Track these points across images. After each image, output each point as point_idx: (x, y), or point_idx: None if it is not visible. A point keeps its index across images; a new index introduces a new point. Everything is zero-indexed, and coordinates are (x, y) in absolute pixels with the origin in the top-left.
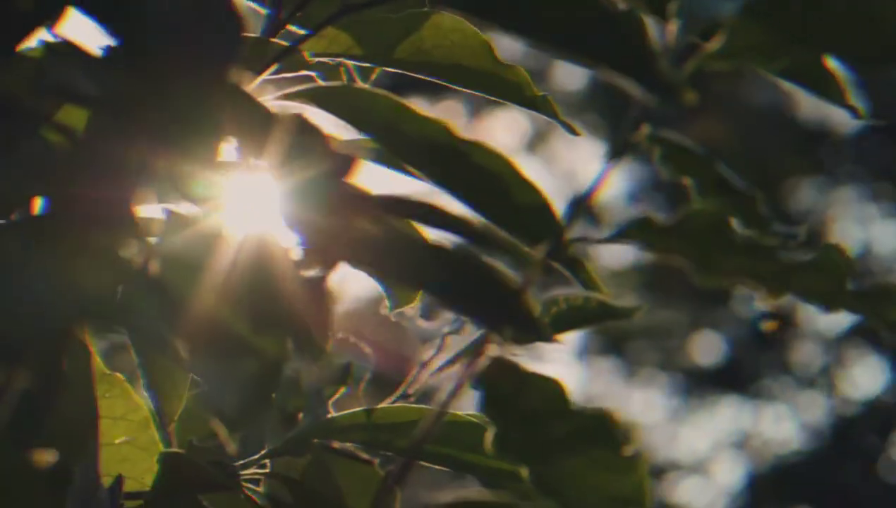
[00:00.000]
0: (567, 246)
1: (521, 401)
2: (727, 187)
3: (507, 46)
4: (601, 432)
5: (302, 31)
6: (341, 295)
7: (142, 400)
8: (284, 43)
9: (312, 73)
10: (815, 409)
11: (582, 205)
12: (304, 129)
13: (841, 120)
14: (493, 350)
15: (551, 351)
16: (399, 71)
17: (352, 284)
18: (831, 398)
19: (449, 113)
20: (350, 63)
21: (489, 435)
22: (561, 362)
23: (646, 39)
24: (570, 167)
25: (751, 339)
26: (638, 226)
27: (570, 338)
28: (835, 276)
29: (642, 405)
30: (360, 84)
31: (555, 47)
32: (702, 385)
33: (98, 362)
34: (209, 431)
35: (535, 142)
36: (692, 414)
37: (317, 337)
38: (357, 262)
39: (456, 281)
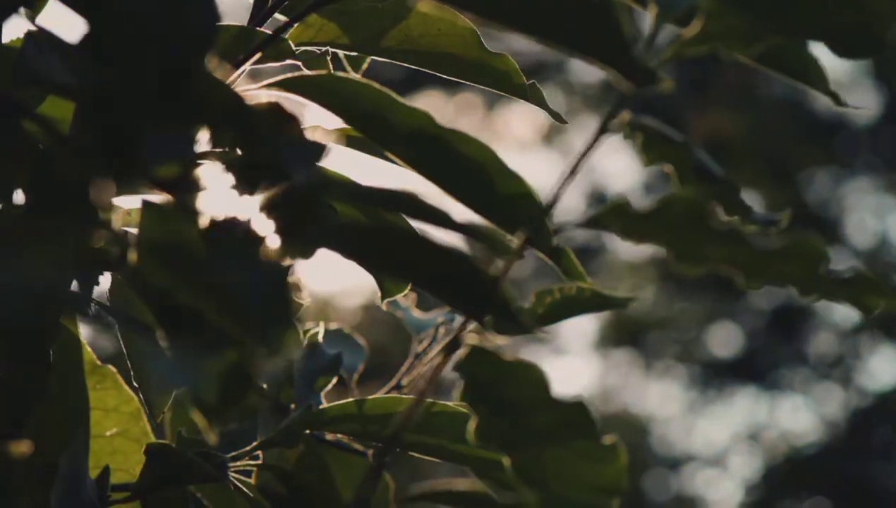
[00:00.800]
0: (550, 234)
1: (502, 390)
2: (706, 174)
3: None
4: (581, 422)
5: (295, 22)
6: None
7: (133, 392)
8: (269, 32)
9: (298, 63)
10: (831, 401)
11: (560, 193)
12: (279, 117)
13: (857, 111)
14: (473, 338)
15: (569, 344)
16: (387, 60)
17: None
18: (847, 389)
19: (466, 105)
20: (340, 52)
21: (471, 424)
22: (578, 354)
23: (620, 25)
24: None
25: (767, 330)
26: (613, 212)
27: (587, 331)
28: (809, 263)
29: (659, 397)
30: (344, 73)
31: (531, 33)
32: (719, 376)
33: (89, 354)
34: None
35: (552, 135)
36: (709, 406)
37: (276, 327)
38: (334, 250)
39: (434, 270)
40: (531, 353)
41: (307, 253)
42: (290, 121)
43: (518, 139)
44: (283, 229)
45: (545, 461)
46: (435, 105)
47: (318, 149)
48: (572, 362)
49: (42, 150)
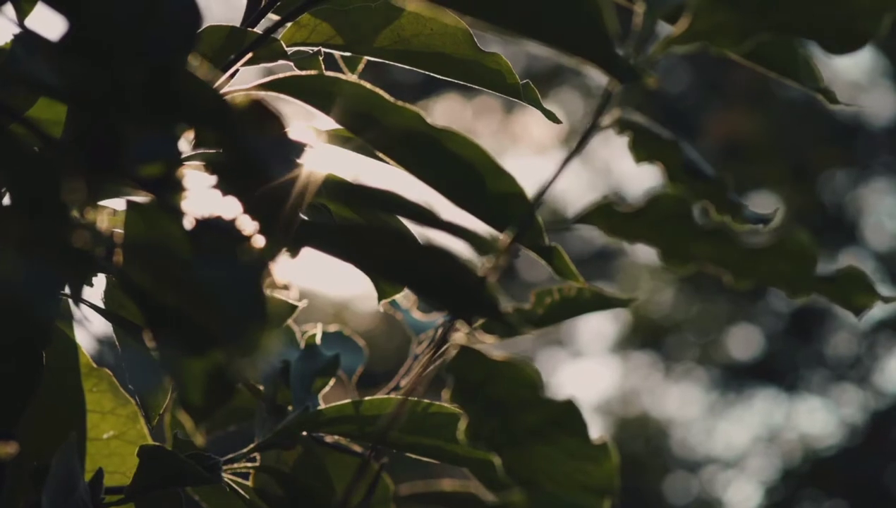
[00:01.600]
0: (543, 233)
1: (491, 389)
2: (697, 173)
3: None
4: (571, 420)
5: (285, 22)
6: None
7: (130, 394)
8: (260, 32)
9: (290, 63)
10: (850, 402)
11: (545, 192)
12: (261, 116)
13: (875, 112)
14: (461, 338)
15: (588, 347)
16: (380, 60)
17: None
18: (866, 391)
19: (484, 109)
20: (336, 53)
21: (462, 424)
22: (598, 357)
23: (604, 23)
24: (606, 162)
25: (787, 332)
26: (600, 211)
27: (606, 333)
28: (798, 261)
29: (679, 400)
30: (334, 73)
31: (516, 30)
32: (739, 379)
33: (85, 356)
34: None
35: (570, 138)
36: (729, 409)
37: (252, 326)
38: (320, 250)
39: (421, 270)
40: (549, 357)
41: (292, 252)
42: (271, 120)
43: (536, 142)
44: (264, 228)
45: (535, 460)
46: (453, 109)
47: (298, 148)
48: (591, 365)
49: (28, 151)
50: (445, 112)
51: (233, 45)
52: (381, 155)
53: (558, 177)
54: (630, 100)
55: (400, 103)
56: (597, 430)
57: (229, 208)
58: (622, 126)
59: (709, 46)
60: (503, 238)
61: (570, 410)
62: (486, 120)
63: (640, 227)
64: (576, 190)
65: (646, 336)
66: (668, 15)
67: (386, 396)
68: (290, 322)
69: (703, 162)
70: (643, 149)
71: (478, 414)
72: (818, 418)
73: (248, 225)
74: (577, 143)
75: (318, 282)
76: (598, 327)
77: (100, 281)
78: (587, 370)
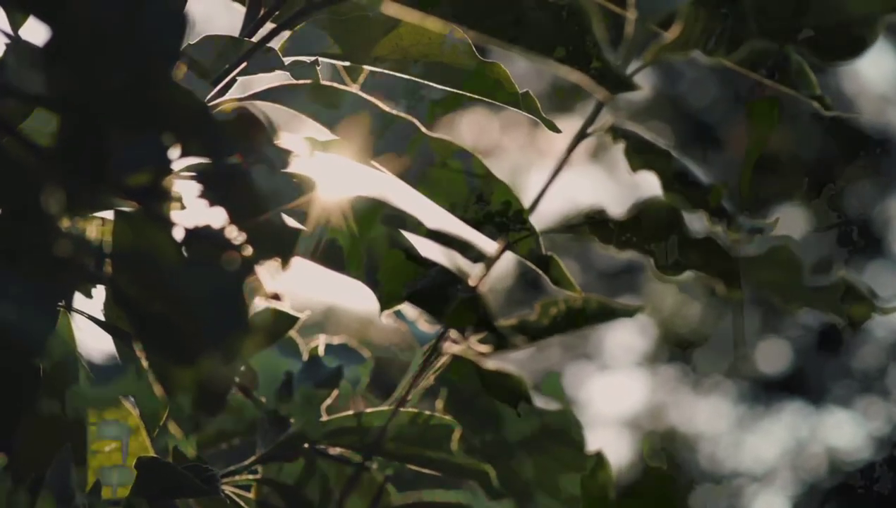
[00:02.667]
0: (540, 242)
1: (484, 399)
2: (690, 182)
3: None
4: (564, 430)
5: (284, 31)
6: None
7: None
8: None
9: (287, 72)
10: (877, 416)
11: (540, 199)
12: (249, 125)
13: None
14: (454, 348)
15: (616, 360)
16: (379, 70)
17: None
18: (893, 404)
19: (511, 123)
20: (337, 63)
21: (455, 435)
22: (626, 370)
23: (593, 31)
24: (632, 177)
25: (816, 347)
26: (590, 219)
27: (635, 346)
28: (790, 271)
29: (708, 413)
30: (329, 83)
31: (504, 39)
32: (767, 392)
33: (85, 367)
34: (209, 436)
35: (597, 151)
36: (757, 422)
37: (230, 335)
38: (312, 260)
39: (410, 278)
40: (577, 370)
41: (283, 262)
42: (259, 129)
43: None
44: (252, 238)
45: (528, 471)
46: (479, 123)
47: (287, 157)
48: (619, 379)
49: (17, 161)
50: (472, 126)
51: (230, 54)
52: (374, 163)
53: (551, 184)
54: (657, 111)
55: (394, 112)
56: (624, 445)
57: (217, 217)
58: (616, 134)
59: (702, 54)
60: (497, 247)
61: (564, 420)
62: (513, 134)
63: (631, 236)
64: (602, 204)
65: (674, 349)
66: (661, 22)
67: (388, 408)
68: (293, 333)
69: (697, 170)
70: (637, 158)
71: (471, 424)
72: (845, 431)
73: (234, 234)
74: (568, 150)
75: (342, 297)
76: (626, 340)
77: (100, 292)
78: (615, 383)
